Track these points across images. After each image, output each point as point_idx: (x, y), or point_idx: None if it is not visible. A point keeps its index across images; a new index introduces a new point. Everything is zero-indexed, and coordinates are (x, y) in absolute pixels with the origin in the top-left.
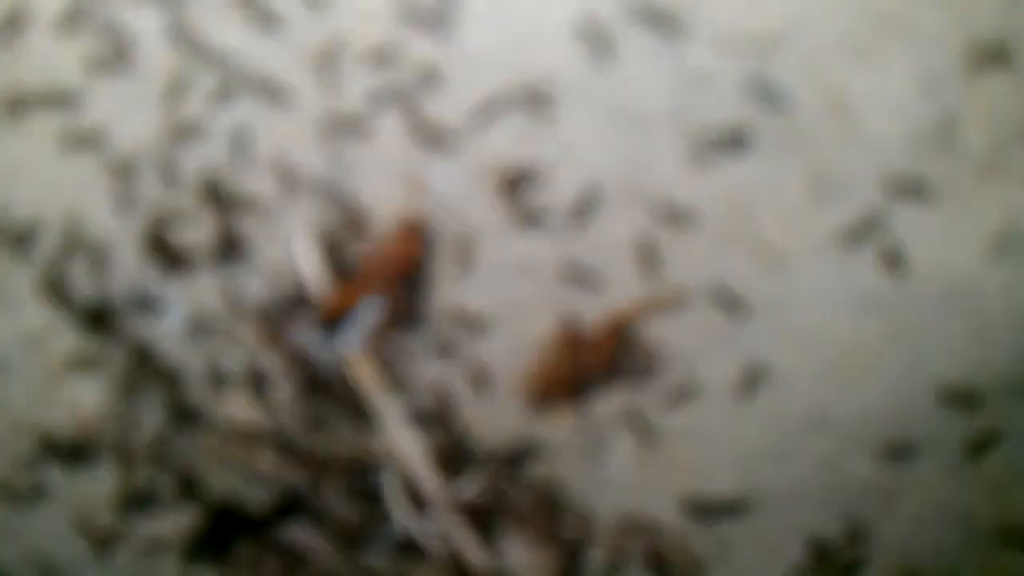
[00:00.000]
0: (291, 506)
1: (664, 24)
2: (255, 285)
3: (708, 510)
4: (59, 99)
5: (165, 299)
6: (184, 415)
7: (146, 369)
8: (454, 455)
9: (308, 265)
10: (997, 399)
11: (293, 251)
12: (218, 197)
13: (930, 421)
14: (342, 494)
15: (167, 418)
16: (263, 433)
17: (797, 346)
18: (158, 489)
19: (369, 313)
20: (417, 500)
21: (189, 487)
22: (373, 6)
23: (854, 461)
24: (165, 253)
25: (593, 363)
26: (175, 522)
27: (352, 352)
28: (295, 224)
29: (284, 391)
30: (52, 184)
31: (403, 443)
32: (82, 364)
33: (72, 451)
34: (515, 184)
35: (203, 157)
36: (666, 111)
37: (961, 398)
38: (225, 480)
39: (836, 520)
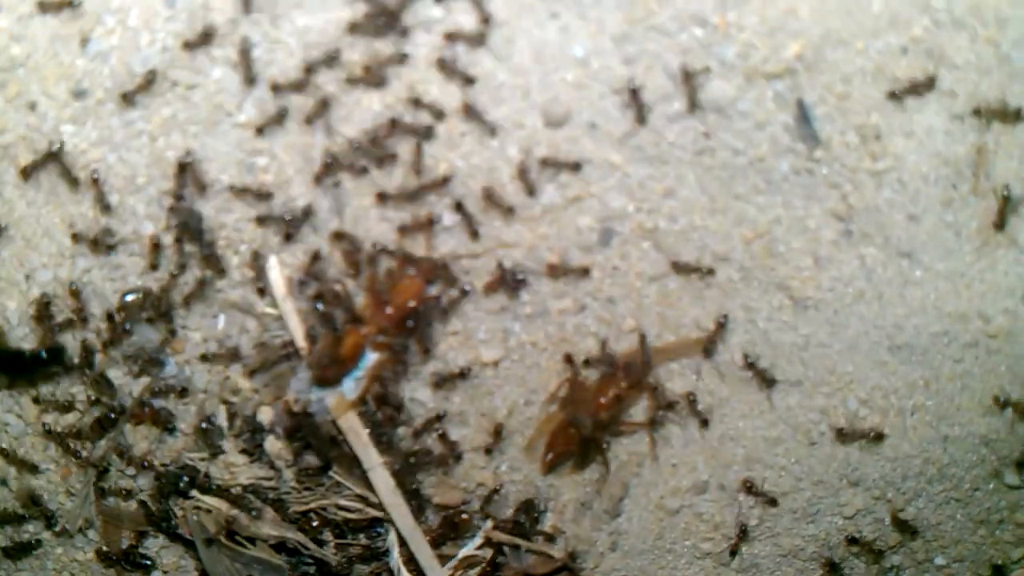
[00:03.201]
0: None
1: None
2: (250, 335)
3: None
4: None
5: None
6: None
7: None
8: (456, 513)
9: (293, 320)
10: None
11: (279, 304)
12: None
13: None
14: (343, 553)
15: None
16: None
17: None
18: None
19: (370, 361)
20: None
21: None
22: None
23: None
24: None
25: (596, 414)
26: None
27: (342, 406)
28: (276, 275)
29: (280, 446)
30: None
31: (394, 506)
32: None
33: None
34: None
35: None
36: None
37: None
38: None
39: None
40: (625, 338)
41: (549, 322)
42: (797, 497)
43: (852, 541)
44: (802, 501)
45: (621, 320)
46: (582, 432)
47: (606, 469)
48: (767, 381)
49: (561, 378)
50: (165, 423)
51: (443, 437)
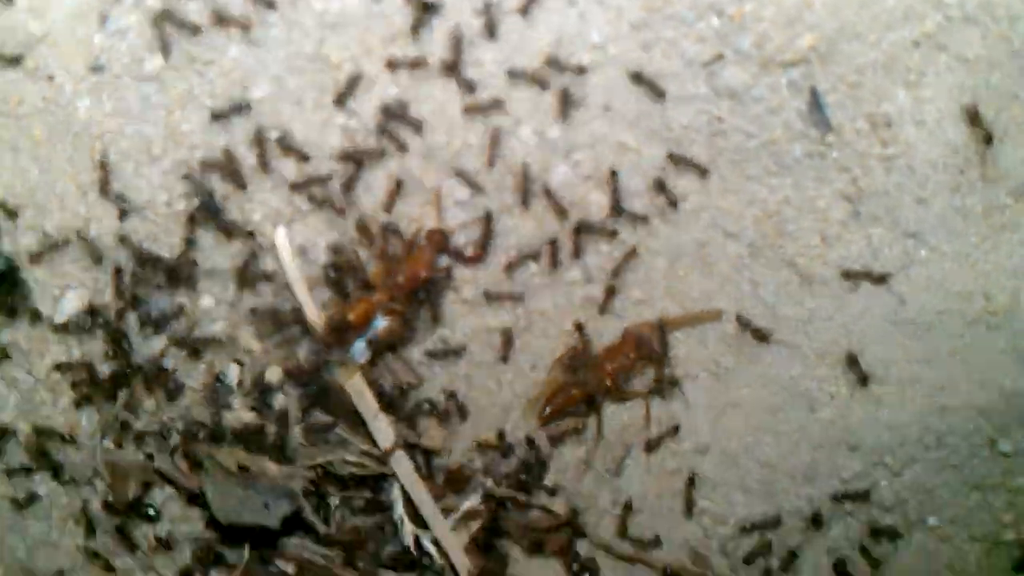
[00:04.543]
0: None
1: None
2: (263, 295)
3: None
4: None
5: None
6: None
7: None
8: (459, 469)
9: (301, 291)
10: None
11: (286, 273)
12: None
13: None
14: (347, 505)
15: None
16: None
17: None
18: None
19: (379, 326)
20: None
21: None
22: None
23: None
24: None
25: (601, 380)
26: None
27: (350, 369)
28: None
29: (289, 402)
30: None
31: (398, 464)
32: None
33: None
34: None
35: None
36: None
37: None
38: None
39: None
40: (632, 309)
41: (557, 291)
42: (796, 461)
43: (845, 497)
44: (801, 465)
45: (629, 291)
46: (587, 389)
47: (599, 432)
48: (761, 336)
49: (568, 345)
50: (175, 393)
51: (452, 396)
